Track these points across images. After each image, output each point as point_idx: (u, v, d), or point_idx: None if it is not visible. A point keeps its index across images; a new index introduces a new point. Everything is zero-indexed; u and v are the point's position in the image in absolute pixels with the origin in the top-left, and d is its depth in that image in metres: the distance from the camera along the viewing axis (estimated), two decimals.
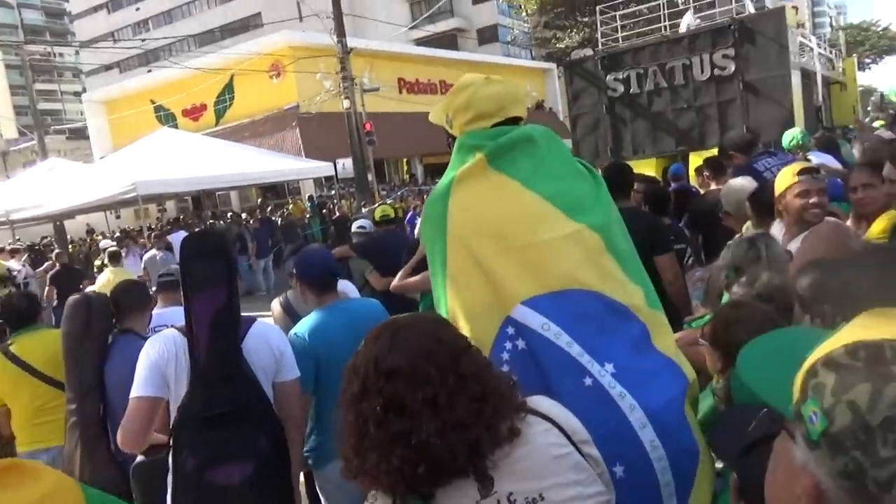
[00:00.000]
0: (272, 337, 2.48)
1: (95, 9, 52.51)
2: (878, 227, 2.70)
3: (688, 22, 14.49)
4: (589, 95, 13.69)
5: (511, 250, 1.78)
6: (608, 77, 13.20)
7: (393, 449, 1.18)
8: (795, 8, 18.02)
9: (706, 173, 5.55)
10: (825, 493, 0.73)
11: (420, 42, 36.72)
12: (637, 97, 13.02)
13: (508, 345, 1.73)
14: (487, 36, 43.67)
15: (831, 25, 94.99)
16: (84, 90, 45.68)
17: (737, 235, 2.63)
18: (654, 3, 15.57)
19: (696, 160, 9.69)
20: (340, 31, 17.08)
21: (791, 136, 5.60)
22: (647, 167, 11.30)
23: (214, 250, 2.31)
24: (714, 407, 1.89)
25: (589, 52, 15.95)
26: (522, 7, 36.77)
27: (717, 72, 12.12)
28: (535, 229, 1.78)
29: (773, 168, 3.71)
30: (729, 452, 1.19)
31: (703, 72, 12.28)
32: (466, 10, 44.62)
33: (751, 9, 14.94)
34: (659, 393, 1.68)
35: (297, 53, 22.73)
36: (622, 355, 1.70)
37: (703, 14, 15.76)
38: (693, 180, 7.66)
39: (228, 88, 26.21)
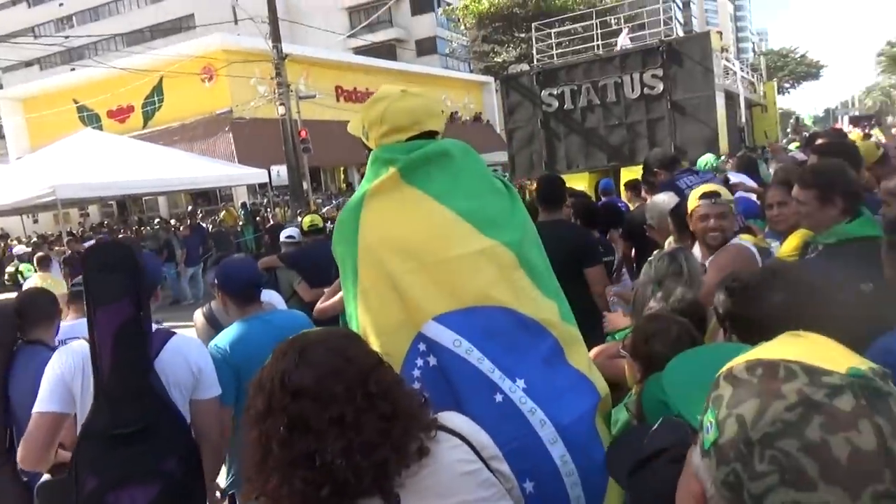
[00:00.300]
0: (191, 352, 2.37)
1: (14, 2, 49.95)
2: (790, 245, 2.82)
3: (623, 41, 14.98)
4: (525, 110, 13.90)
5: (423, 266, 1.77)
6: (543, 92, 13.43)
7: (296, 470, 1.14)
8: (720, 33, 18.86)
9: (645, 188, 5.72)
10: (709, 500, 0.74)
11: (359, 51, 36.49)
12: (571, 113, 13.30)
13: (420, 361, 1.71)
14: (426, 47, 43.94)
15: (754, 51, 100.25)
16: (0, 87, 43.29)
17: (656, 251, 2.69)
18: (588, 23, 15.99)
19: (626, 175, 9.96)
20: (276, 37, 16.78)
21: (705, 161, 5.98)
22: (580, 181, 11.55)
23: (119, 262, 2.18)
24: (628, 421, 1.91)
25: (526, 67, 16.24)
26: (461, 21, 37.26)
27: (646, 91, 12.51)
28: (448, 245, 1.77)
29: (693, 185, 3.86)
30: (620, 472, 1.20)
31: (633, 90, 12.65)
32: (405, 21, 44.80)
33: (679, 32, 15.56)
34: (570, 408, 1.69)
35: (231, 57, 22.17)
36: (534, 371, 1.70)
37: (635, 35, 16.30)
38: (624, 195, 7.87)
39: (157, 90, 25.32)
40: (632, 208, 6.26)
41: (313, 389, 1.17)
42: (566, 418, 1.67)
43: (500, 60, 34.16)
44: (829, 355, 0.73)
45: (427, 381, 1.67)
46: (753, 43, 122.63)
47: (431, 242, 1.79)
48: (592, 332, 2.97)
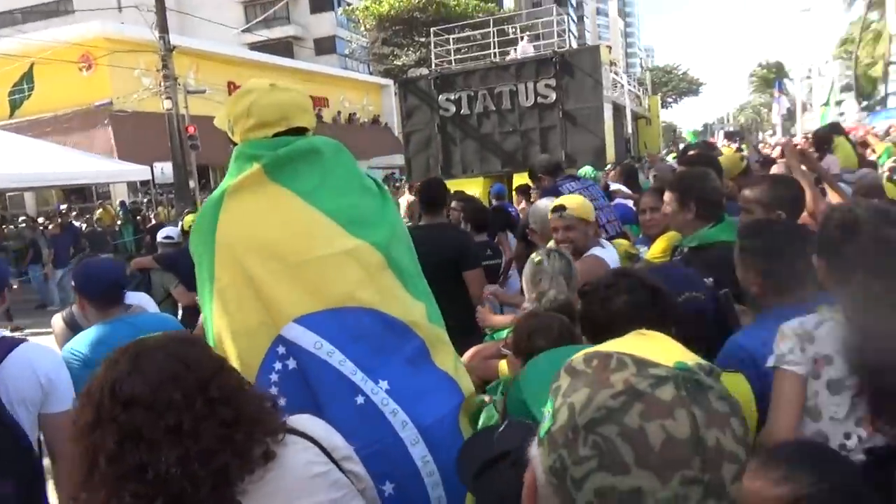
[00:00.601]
0: (40, 363, 2.12)
1: None
2: (657, 248, 2.99)
3: (522, 50, 15.37)
4: (422, 114, 13.95)
5: (286, 267, 1.71)
6: (441, 97, 13.53)
7: (126, 484, 1.06)
8: (609, 47, 19.78)
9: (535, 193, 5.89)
10: (539, 490, 0.76)
11: (254, 47, 35.34)
12: (467, 118, 13.48)
13: (278, 365, 1.66)
14: (325, 47, 43.13)
15: (641, 66, 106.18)
16: None
17: (544, 248, 2.76)
18: (486, 31, 16.29)
19: (518, 181, 10.20)
20: (163, 27, 15.91)
21: (583, 172, 6.32)
22: (475, 186, 11.74)
23: None
24: (497, 420, 1.92)
25: (425, 71, 16.33)
26: (361, 22, 36.93)
27: (540, 99, 12.88)
28: (313, 245, 1.72)
29: (575, 191, 4.00)
30: (466, 474, 1.21)
31: (527, 98, 12.98)
32: (304, 19, 43.80)
33: (574, 44, 16.18)
34: (433, 408, 1.69)
35: (113, 46, 20.76)
36: (398, 372, 1.69)
37: (534, 44, 16.77)
38: (514, 199, 8.06)
39: (27, 77, 23.31)
40: (521, 212, 6.43)
41: (147, 398, 1.11)
42: (428, 419, 1.66)
43: (399, 63, 34.19)
44: (663, 351, 0.76)
45: (285, 385, 1.62)
46: (641, 59, 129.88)
47: (295, 242, 1.73)
48: (471, 333, 3.01)
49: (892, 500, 1.18)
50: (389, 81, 34.34)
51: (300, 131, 1.91)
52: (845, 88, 39.10)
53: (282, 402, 1.54)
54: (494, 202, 7.97)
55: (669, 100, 77.51)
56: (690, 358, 0.75)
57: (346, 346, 1.65)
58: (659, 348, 0.77)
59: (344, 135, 36.78)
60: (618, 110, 15.53)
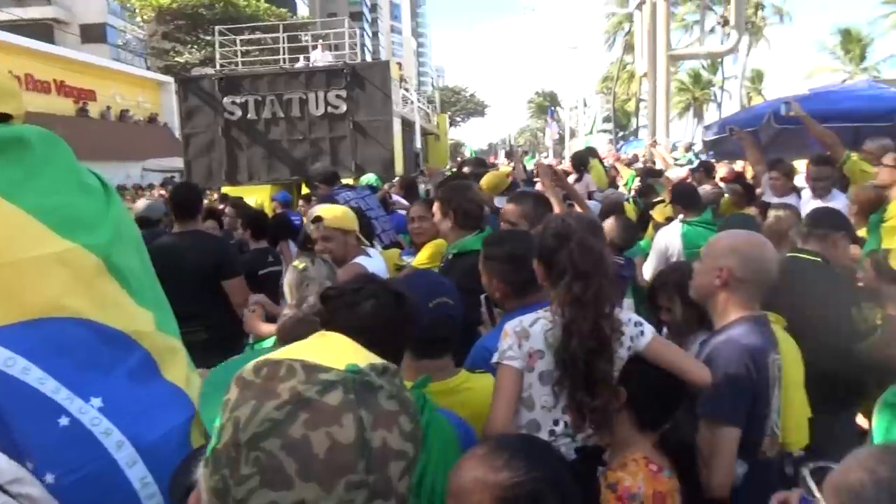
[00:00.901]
0: None
1: None
2: (422, 255, 3.11)
3: (317, 58, 15.14)
4: (205, 115, 13.18)
5: None
6: (226, 99, 12.91)
7: None
8: (399, 63, 20.36)
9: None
10: None
11: (3, 26, 30.67)
12: (255, 123, 13.00)
13: None
14: (93, 34, 38.61)
15: (433, 85, 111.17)
16: None
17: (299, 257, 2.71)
18: (276, 35, 15.82)
19: (306, 189, 10.02)
20: None
21: (367, 179, 6.44)
22: (261, 193, 11.33)
23: None
24: None
25: (210, 71, 15.42)
26: (138, 12, 33.87)
27: (330, 109, 12.83)
28: (10, 248, 1.47)
29: (350, 201, 3.98)
30: (176, 494, 1.14)
31: (318, 108, 12.87)
32: (68, 1, 38.95)
33: (368, 58, 16.37)
34: (157, 425, 1.54)
35: None
36: (115, 388, 1.50)
37: (331, 53, 16.61)
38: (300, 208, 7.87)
39: None
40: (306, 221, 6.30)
41: None
42: (151, 435, 1.50)
43: (181, 61, 31.90)
44: (339, 353, 0.74)
45: None
46: (432, 78, 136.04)
47: None
48: (234, 343, 2.88)
49: (590, 489, 1.37)
50: (170, 79, 31.88)
51: (3, 118, 1.63)
52: (606, 119, 44.51)
53: None
54: (278, 210, 7.72)
55: (458, 119, 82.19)
56: (364, 358, 0.75)
57: (46, 362, 1.43)
58: (334, 350, 0.75)
59: (115, 133, 33.46)
60: (408, 125, 15.99)
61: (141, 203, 4.89)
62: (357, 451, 0.67)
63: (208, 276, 3.70)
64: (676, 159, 10.78)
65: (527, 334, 1.69)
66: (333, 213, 3.14)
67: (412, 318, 1.55)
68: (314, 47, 16.05)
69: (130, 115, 31.35)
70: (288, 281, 2.50)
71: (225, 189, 12.90)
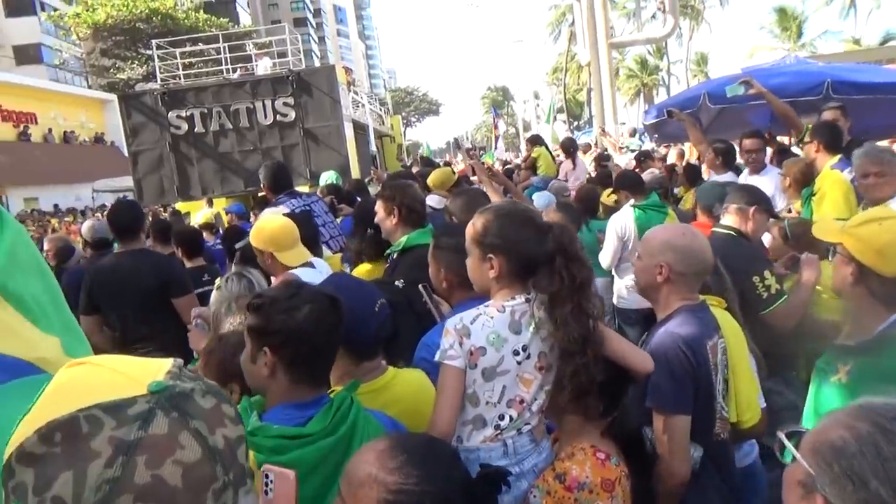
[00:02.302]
0: None
1: None
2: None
3: (264, 67, 14.93)
4: (151, 131, 12.93)
5: None
6: (171, 114, 12.68)
7: None
8: (346, 68, 20.26)
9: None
10: None
11: None
12: (203, 136, 12.80)
13: None
14: (28, 55, 37.49)
15: (385, 87, 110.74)
16: None
17: (231, 272, 2.66)
18: (218, 46, 15.57)
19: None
20: None
21: (328, 177, 6.40)
22: (217, 206, 11.13)
23: None
24: None
25: (156, 86, 15.08)
26: (72, 30, 32.89)
27: (279, 118, 12.71)
28: None
29: (297, 208, 3.95)
30: None
31: (266, 116, 12.73)
32: None
33: (317, 64, 16.19)
34: None
35: None
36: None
37: (273, 61, 16.40)
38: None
39: None
40: None
41: None
42: None
43: (124, 77, 31.11)
44: (128, 378, 0.68)
45: None
46: (384, 80, 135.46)
47: None
48: (189, 361, 2.80)
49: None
50: (112, 97, 31.16)
51: None
52: (558, 111, 45.00)
53: None
54: (234, 222, 7.60)
55: (413, 119, 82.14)
56: (157, 369, 0.70)
57: None
58: (119, 378, 0.68)
59: (61, 155, 32.50)
60: (360, 129, 15.91)
61: (86, 225, 4.73)
62: (209, 462, 0.65)
63: (157, 295, 3.62)
64: (622, 146, 10.98)
65: (467, 332, 1.68)
66: (256, 233, 3.03)
67: (341, 320, 1.55)
68: (259, 57, 15.84)
69: (75, 136, 30.50)
70: (212, 300, 2.48)
71: (178, 205, 12.67)
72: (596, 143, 13.10)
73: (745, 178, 4.95)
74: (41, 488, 0.61)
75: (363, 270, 3.36)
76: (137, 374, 0.68)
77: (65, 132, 30.08)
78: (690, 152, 9.44)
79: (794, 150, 5.64)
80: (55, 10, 36.66)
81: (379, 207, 2.94)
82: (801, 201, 4.19)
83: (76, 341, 1.65)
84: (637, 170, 6.54)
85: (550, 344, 1.73)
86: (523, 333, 1.71)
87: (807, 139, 4.52)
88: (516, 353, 1.70)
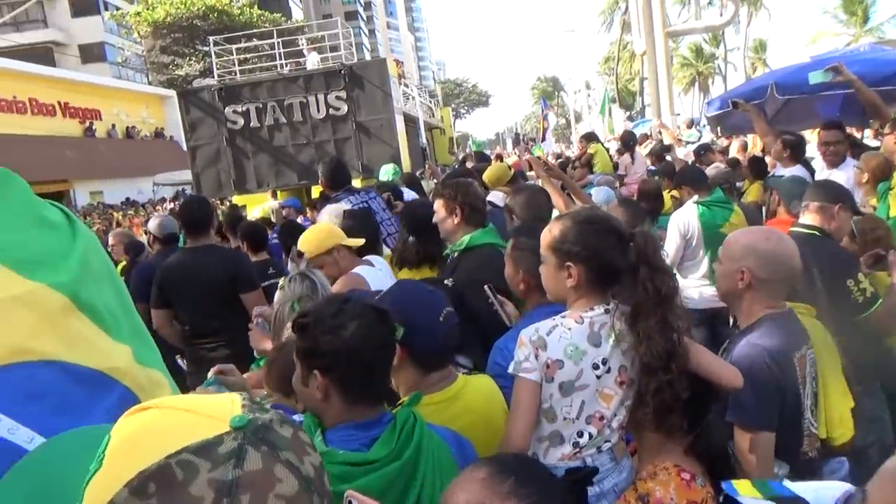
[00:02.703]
0: None
1: None
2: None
3: (312, 62, 15.12)
4: (208, 126, 13.24)
5: None
6: (227, 109, 12.95)
7: None
8: (397, 61, 20.29)
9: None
10: None
11: (3, 53, 30.89)
12: (258, 131, 13.05)
13: None
14: (93, 54, 38.84)
15: (434, 79, 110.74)
16: None
17: (295, 271, 2.65)
18: (271, 41, 15.81)
19: (316, 193, 10.01)
20: None
21: (386, 171, 6.41)
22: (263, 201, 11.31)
23: None
24: None
25: (211, 81, 15.43)
26: (134, 28, 34.00)
27: (332, 111, 12.84)
28: None
29: (356, 205, 3.96)
30: None
31: (319, 110, 12.88)
32: (64, 23, 39.01)
33: (367, 57, 16.30)
34: None
35: None
36: None
37: (324, 55, 16.58)
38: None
39: None
40: None
41: None
42: None
43: (182, 73, 32.00)
44: (204, 417, 0.65)
45: None
46: (433, 72, 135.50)
47: None
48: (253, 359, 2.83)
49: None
50: (172, 93, 32.10)
51: None
52: (611, 101, 44.15)
53: None
54: (290, 217, 7.71)
55: (462, 111, 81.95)
56: (230, 402, 0.67)
57: (16, 410, 1.34)
58: (191, 418, 0.65)
59: (123, 150, 33.57)
60: (411, 121, 15.95)
61: (154, 222, 4.82)
62: (307, 492, 0.64)
63: (226, 290, 3.66)
64: (680, 139, 10.67)
65: (543, 343, 1.61)
66: (308, 240, 3.02)
67: (392, 333, 1.48)
68: (308, 52, 16.00)
69: (137, 131, 31.55)
70: (275, 299, 2.46)
71: (235, 199, 12.96)
72: (650, 135, 12.79)
73: (822, 172, 4.70)
74: None
75: (402, 277, 3.32)
76: (212, 411, 0.66)
77: (127, 127, 31.15)
78: (753, 144, 9.10)
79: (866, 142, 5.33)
80: (118, 9, 37.95)
81: (439, 206, 2.87)
82: (877, 197, 3.97)
83: (146, 348, 1.66)
84: (697, 163, 6.33)
85: (632, 358, 1.64)
86: (603, 346, 1.63)
87: (886, 131, 4.27)
88: (596, 366, 1.62)
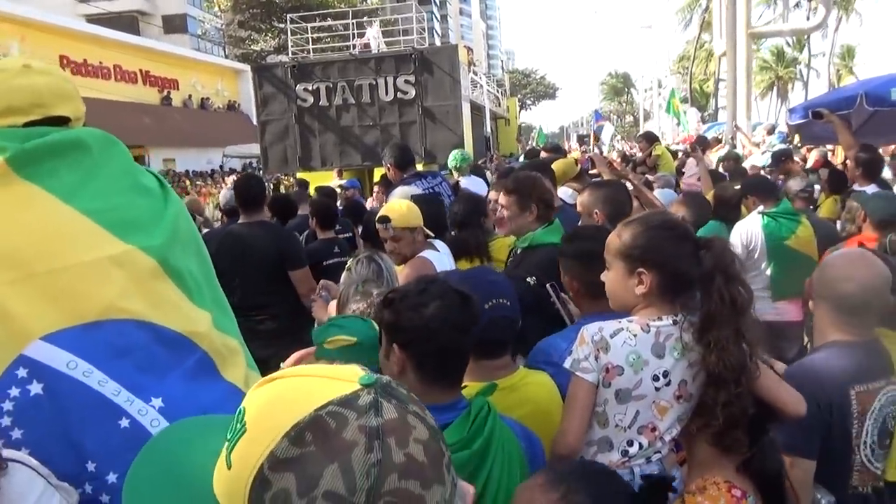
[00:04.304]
0: None
1: None
2: (500, 252, 3.02)
3: (372, 35, 15.23)
4: (279, 102, 13.50)
5: (31, 276, 1.44)
6: (298, 87, 13.16)
7: None
8: (468, 48, 20.24)
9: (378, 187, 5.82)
10: None
11: (92, 20, 32.26)
12: (326, 110, 13.22)
13: (14, 391, 1.39)
14: (175, 25, 40.24)
15: (503, 68, 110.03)
16: None
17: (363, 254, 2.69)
18: (345, 21, 16.00)
19: (379, 175, 10.12)
20: None
21: (455, 157, 6.45)
22: (327, 179, 11.51)
23: None
24: None
25: (284, 58, 15.75)
26: (215, 2, 34.99)
27: (399, 95, 12.89)
28: (69, 251, 1.48)
29: (425, 189, 3.99)
30: None
31: (387, 93, 12.96)
32: None
33: (437, 42, 16.29)
34: None
35: None
36: (174, 389, 1.50)
37: (391, 39, 16.68)
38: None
39: None
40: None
41: None
42: None
43: (257, 49, 32.80)
44: (334, 379, 0.70)
45: (24, 414, 1.39)
46: (502, 61, 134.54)
47: (45, 247, 1.46)
48: (301, 332, 2.91)
49: None
50: (247, 67, 32.91)
51: (60, 121, 1.64)
52: (683, 101, 42.93)
53: (17, 433, 1.36)
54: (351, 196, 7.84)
55: (528, 102, 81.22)
56: (353, 370, 0.71)
57: (106, 364, 1.44)
58: (325, 380, 0.70)
59: (197, 120, 34.51)
60: (477, 110, 15.91)
61: (224, 194, 5.02)
62: (436, 438, 0.69)
63: (275, 266, 3.77)
64: (757, 144, 10.27)
65: (606, 346, 1.58)
66: (400, 211, 3.05)
67: (474, 318, 1.50)
68: (369, 24, 16.03)
69: (210, 102, 32.53)
70: (342, 280, 2.51)
71: (300, 175, 13.23)
72: (720, 141, 12.36)
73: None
74: (307, 488, 0.62)
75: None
76: (340, 374, 0.70)
77: (202, 98, 32.11)
78: (834, 156, 8.71)
79: None
80: None
81: (510, 202, 2.81)
82: None
83: (224, 315, 1.74)
84: (775, 169, 6.09)
85: (694, 372, 1.59)
86: (666, 358, 1.59)
87: None
88: (656, 378, 1.58)
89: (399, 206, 3.12)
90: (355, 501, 0.62)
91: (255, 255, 3.77)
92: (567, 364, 1.64)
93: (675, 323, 1.62)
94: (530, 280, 2.41)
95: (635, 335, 1.60)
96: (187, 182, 23.22)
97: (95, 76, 25.86)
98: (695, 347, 1.58)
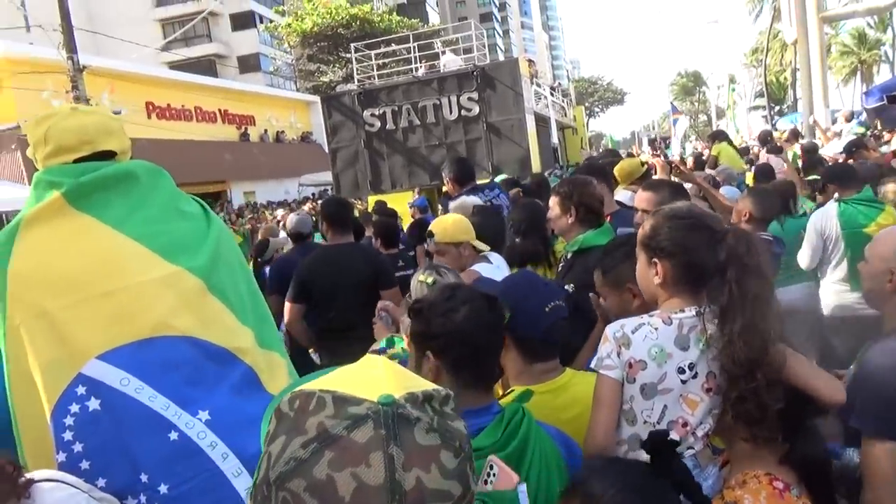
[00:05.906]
0: None
1: None
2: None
3: (447, 62, 15.49)
4: (347, 129, 13.87)
5: (87, 299, 1.59)
6: (365, 112, 13.50)
7: None
8: (529, 60, 20.19)
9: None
10: None
11: (174, 66, 34.40)
12: (393, 133, 13.48)
13: (74, 407, 1.52)
14: (249, 64, 42.46)
15: (568, 78, 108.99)
16: None
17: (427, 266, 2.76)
18: (407, 45, 16.36)
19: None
20: (70, 46, 15.27)
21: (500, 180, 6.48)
22: (404, 200, 11.72)
23: None
24: None
25: (353, 86, 16.23)
26: (285, 39, 36.57)
27: (463, 112, 13.01)
28: (122, 274, 1.63)
29: (485, 201, 4.06)
30: None
31: (451, 112, 13.10)
32: (226, 37, 42.98)
33: (501, 58, 16.40)
34: (259, 437, 1.63)
35: (17, 67, 19.82)
36: (220, 402, 1.60)
37: (460, 56, 16.91)
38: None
39: None
40: None
41: None
42: (254, 447, 1.59)
43: (326, 80, 33.98)
44: (375, 382, 0.70)
45: (83, 429, 1.51)
46: (567, 70, 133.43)
47: (101, 272, 1.61)
48: None
49: (676, 479, 1.23)
50: (317, 98, 34.11)
51: (108, 155, 1.80)
52: (759, 95, 41.18)
53: (79, 447, 1.48)
54: (418, 215, 8.00)
55: (596, 109, 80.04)
56: (404, 387, 0.69)
57: (156, 380, 1.56)
58: (371, 378, 0.71)
59: (274, 153, 35.78)
60: (542, 121, 15.83)
61: (291, 218, 5.26)
62: (386, 494, 0.62)
63: (368, 286, 3.80)
64: (838, 132, 9.78)
65: (627, 341, 1.58)
66: (444, 226, 3.10)
67: (501, 320, 1.53)
68: (443, 53, 16.39)
69: (285, 135, 33.89)
70: (414, 292, 2.54)
71: (372, 198, 13.57)
72: (797, 136, 11.83)
73: None
74: (269, 440, 0.69)
75: None
76: (388, 382, 0.69)
77: (277, 132, 33.54)
78: None
79: None
80: (271, 21, 41.07)
81: (554, 204, 2.86)
82: None
83: (268, 331, 1.82)
84: (850, 161, 5.81)
85: (721, 364, 1.56)
86: (691, 350, 1.57)
87: None
88: (681, 370, 1.56)
89: (445, 221, 3.17)
90: (269, 476, 0.66)
91: (351, 275, 3.82)
92: (592, 363, 1.65)
93: (698, 314, 1.60)
94: (568, 287, 2.43)
95: (656, 328, 1.59)
96: (266, 213, 24.22)
97: (178, 119, 27.48)
98: (718, 339, 1.55)
